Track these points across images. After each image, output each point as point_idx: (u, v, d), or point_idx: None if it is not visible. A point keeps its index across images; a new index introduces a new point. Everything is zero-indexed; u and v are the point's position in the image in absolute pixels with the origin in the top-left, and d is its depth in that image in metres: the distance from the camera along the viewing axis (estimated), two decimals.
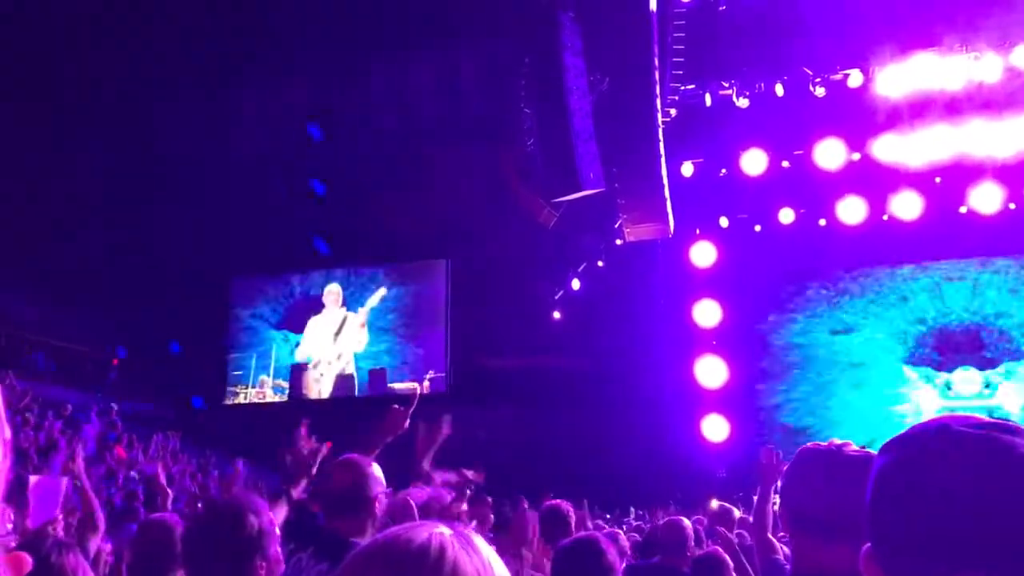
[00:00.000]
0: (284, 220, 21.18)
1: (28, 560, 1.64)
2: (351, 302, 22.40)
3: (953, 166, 17.98)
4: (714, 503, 14.01)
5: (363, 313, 22.08)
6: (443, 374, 21.21)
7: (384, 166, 21.08)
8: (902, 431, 1.21)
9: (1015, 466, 1.06)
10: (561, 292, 20.04)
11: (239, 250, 21.50)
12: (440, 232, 20.83)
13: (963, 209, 18.53)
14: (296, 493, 3.31)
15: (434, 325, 21.62)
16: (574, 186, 16.86)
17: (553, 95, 16.79)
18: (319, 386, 21.90)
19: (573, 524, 4.97)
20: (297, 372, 22.05)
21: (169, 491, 5.04)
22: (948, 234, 18.72)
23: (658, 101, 16.89)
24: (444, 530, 1.04)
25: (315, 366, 21.97)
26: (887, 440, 1.21)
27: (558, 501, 5.10)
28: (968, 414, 1.14)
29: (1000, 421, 1.14)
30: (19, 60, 18.46)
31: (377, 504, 3.21)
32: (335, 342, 22.04)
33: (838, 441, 1.97)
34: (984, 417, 1.16)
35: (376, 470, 3.26)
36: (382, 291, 22.07)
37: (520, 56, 18.13)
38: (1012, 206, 18.43)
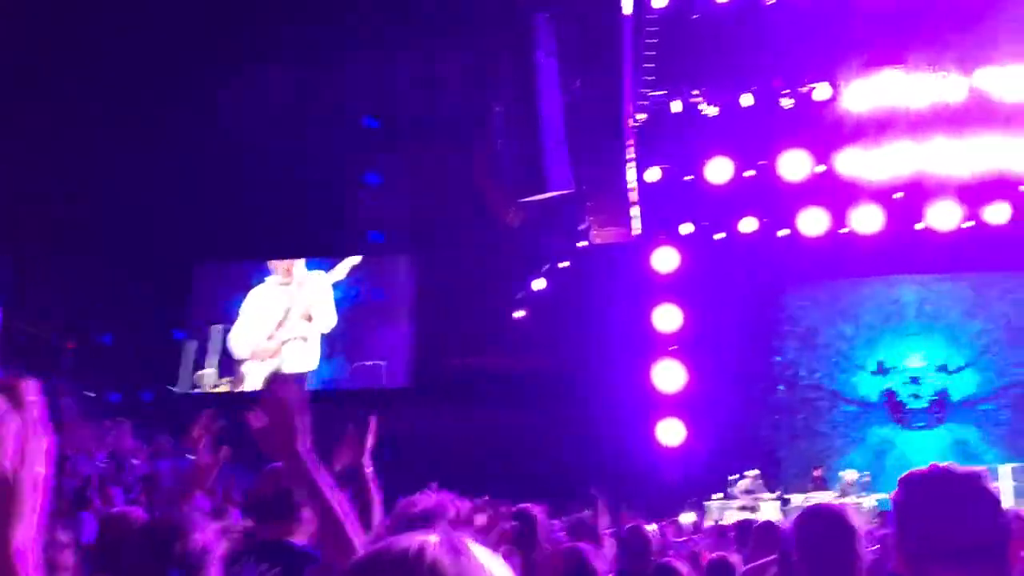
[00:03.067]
0: (250, 209, 20.83)
1: None
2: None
3: (914, 182, 18.27)
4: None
5: (327, 279, 20.08)
6: (407, 371, 20.81)
7: (356, 160, 20.88)
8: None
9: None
10: (523, 293, 20.01)
11: (202, 236, 21.03)
12: (407, 228, 20.67)
13: (919, 226, 18.76)
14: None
15: (398, 322, 21.22)
16: (541, 186, 16.87)
17: (524, 95, 16.79)
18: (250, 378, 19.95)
19: (539, 530, 4.96)
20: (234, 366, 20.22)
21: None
22: (906, 249, 18.97)
23: (629, 105, 16.95)
24: (432, 536, 1.04)
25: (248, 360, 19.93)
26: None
27: (527, 505, 5.06)
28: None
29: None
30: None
31: (304, 509, 3.19)
32: (277, 329, 20.02)
33: (940, 464, 1.96)
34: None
35: None
36: (353, 259, 20.52)
37: (495, 55, 18.09)
38: (971, 224, 18.68)
